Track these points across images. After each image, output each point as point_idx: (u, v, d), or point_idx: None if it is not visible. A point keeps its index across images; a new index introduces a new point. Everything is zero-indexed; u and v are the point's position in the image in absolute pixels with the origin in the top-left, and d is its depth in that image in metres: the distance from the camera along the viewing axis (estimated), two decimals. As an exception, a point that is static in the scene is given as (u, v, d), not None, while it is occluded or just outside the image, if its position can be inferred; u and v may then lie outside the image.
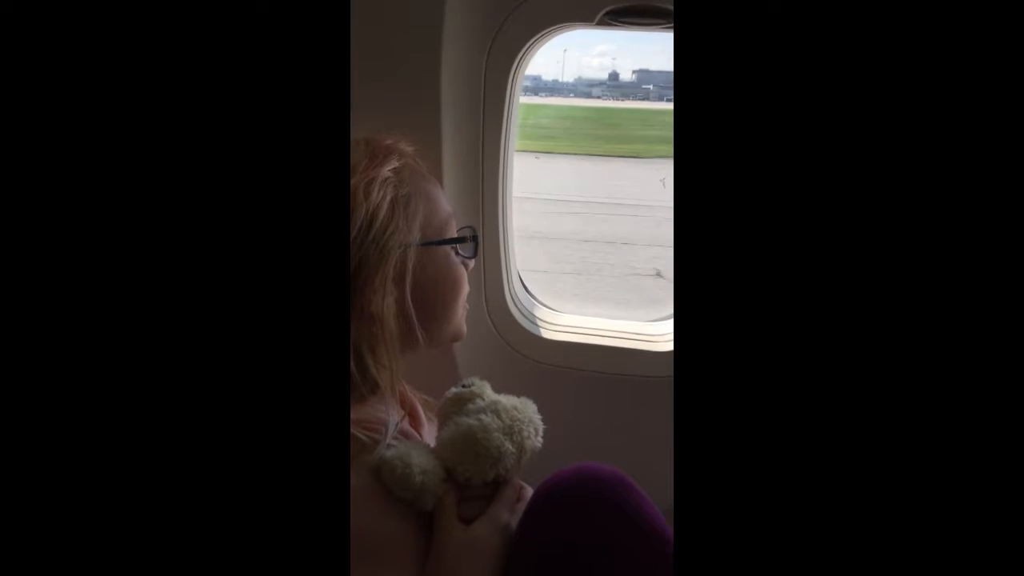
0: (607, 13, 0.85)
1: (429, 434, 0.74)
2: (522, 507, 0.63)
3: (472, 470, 0.62)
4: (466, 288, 0.73)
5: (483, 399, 0.66)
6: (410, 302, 0.65)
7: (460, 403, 0.66)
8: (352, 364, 0.64)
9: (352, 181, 0.63)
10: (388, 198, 0.64)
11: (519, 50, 0.86)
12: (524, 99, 1.00)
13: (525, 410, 0.66)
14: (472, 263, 0.75)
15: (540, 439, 0.66)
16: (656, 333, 1.04)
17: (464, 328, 0.74)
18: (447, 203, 0.72)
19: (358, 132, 0.70)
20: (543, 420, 0.67)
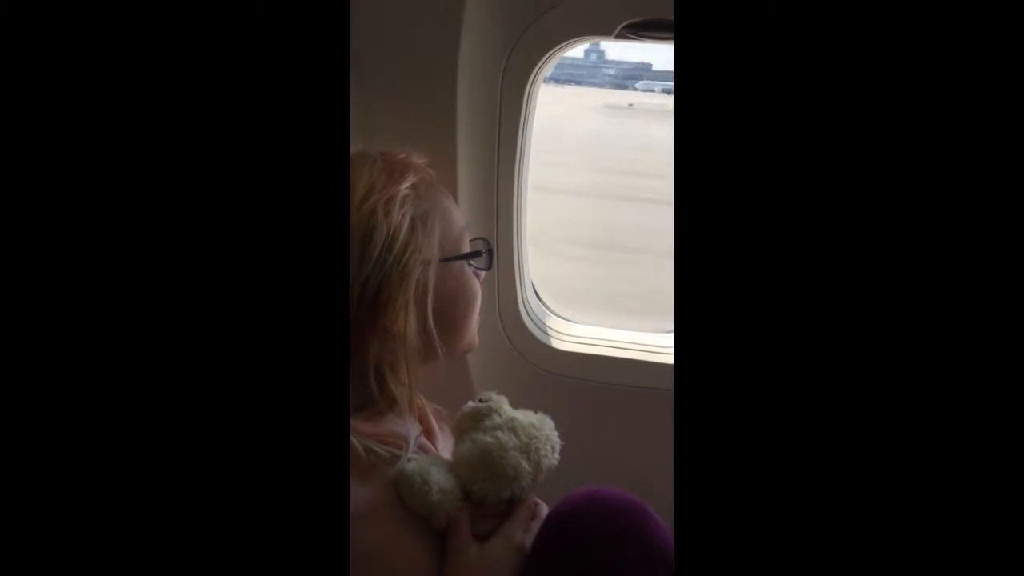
0: (625, 27, 0.84)
1: (443, 445, 0.74)
2: (536, 525, 0.63)
3: (488, 488, 0.62)
4: (480, 299, 0.73)
5: (500, 415, 0.66)
6: (431, 318, 0.65)
7: (477, 419, 0.66)
8: (372, 380, 0.64)
9: (371, 200, 0.63)
10: (408, 217, 0.64)
11: (536, 62, 0.86)
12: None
13: (542, 427, 0.65)
14: (483, 274, 0.75)
15: (557, 456, 0.66)
16: (667, 345, 1.03)
17: (476, 339, 0.75)
18: (460, 215, 0.73)
19: (377, 145, 0.70)
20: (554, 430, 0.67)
